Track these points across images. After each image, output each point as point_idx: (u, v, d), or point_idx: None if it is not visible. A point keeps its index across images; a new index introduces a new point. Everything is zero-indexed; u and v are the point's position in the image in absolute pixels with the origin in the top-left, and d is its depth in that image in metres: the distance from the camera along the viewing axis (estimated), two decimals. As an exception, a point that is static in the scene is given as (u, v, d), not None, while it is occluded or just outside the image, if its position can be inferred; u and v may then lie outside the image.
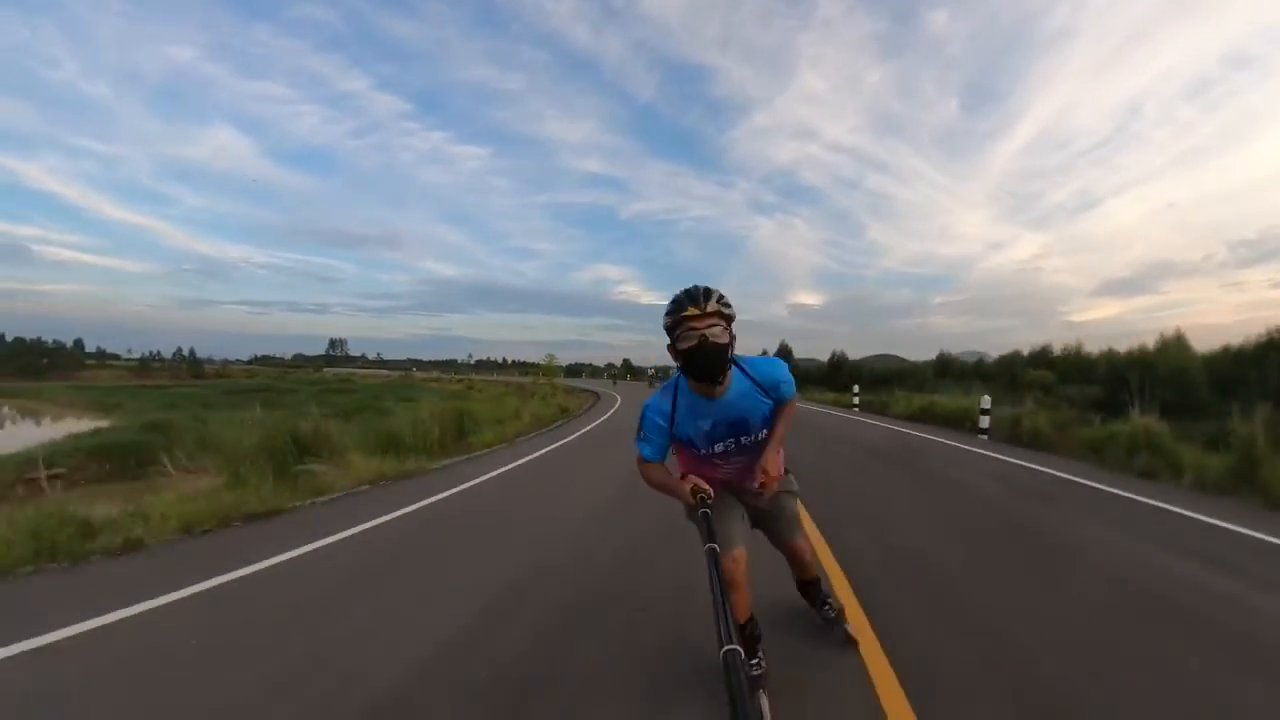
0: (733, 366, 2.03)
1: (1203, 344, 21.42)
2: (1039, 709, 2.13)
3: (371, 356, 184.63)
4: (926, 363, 38.52)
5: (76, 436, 19.15)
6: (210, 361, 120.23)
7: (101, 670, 2.40)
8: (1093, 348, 26.60)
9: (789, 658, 2.40)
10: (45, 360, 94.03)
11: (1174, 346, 22.37)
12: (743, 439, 2.13)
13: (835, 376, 38.53)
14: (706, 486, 1.99)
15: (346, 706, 2.15)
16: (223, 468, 6.53)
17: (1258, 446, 6.01)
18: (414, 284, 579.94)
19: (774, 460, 2.15)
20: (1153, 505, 5.35)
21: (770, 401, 2.12)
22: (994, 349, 27.91)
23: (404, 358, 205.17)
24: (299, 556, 3.82)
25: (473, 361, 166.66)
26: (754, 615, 2.22)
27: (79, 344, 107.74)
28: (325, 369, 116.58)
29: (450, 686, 2.27)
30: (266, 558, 3.74)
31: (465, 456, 8.41)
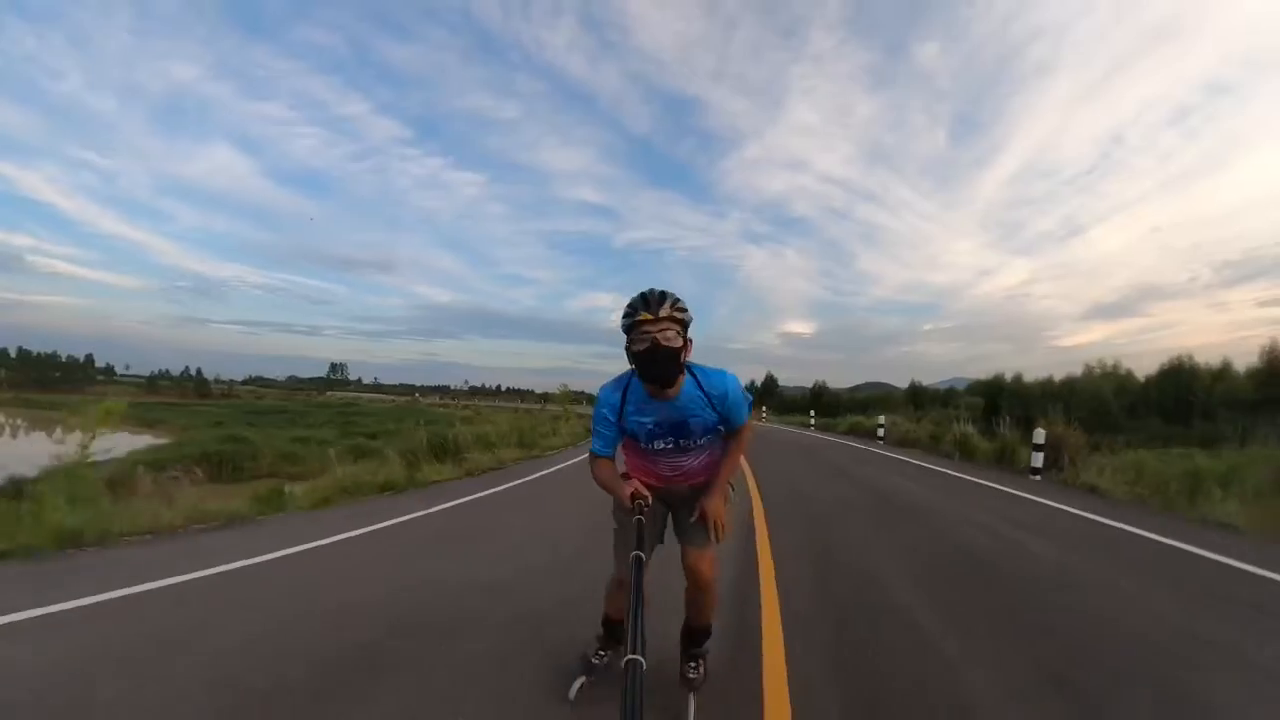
0: (686, 373, 2.09)
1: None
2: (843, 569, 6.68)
3: (365, 380, 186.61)
4: (905, 391, 43.64)
5: (159, 448, 23.06)
6: (218, 381, 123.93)
7: (418, 537, 6.61)
8: (1061, 373, 31.41)
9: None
10: (57, 374, 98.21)
11: (1091, 377, 27.53)
12: (681, 441, 2.20)
13: (816, 403, 43.28)
14: (646, 493, 2.08)
15: (520, 567, 5.54)
16: (392, 458, 11.06)
17: (1012, 440, 10.80)
18: (407, 308, 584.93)
19: (717, 503, 2.18)
20: (936, 470, 10.02)
21: (715, 415, 2.15)
22: (985, 375, 32.53)
23: (396, 382, 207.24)
24: (483, 497, 7.50)
25: (467, 388, 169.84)
26: (710, 623, 2.37)
27: (89, 359, 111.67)
28: (328, 392, 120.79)
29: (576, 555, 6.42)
30: (465, 496, 7.55)
31: (539, 454, 12.96)
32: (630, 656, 1.17)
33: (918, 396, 41.06)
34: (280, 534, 5.08)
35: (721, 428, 2.24)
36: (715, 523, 2.16)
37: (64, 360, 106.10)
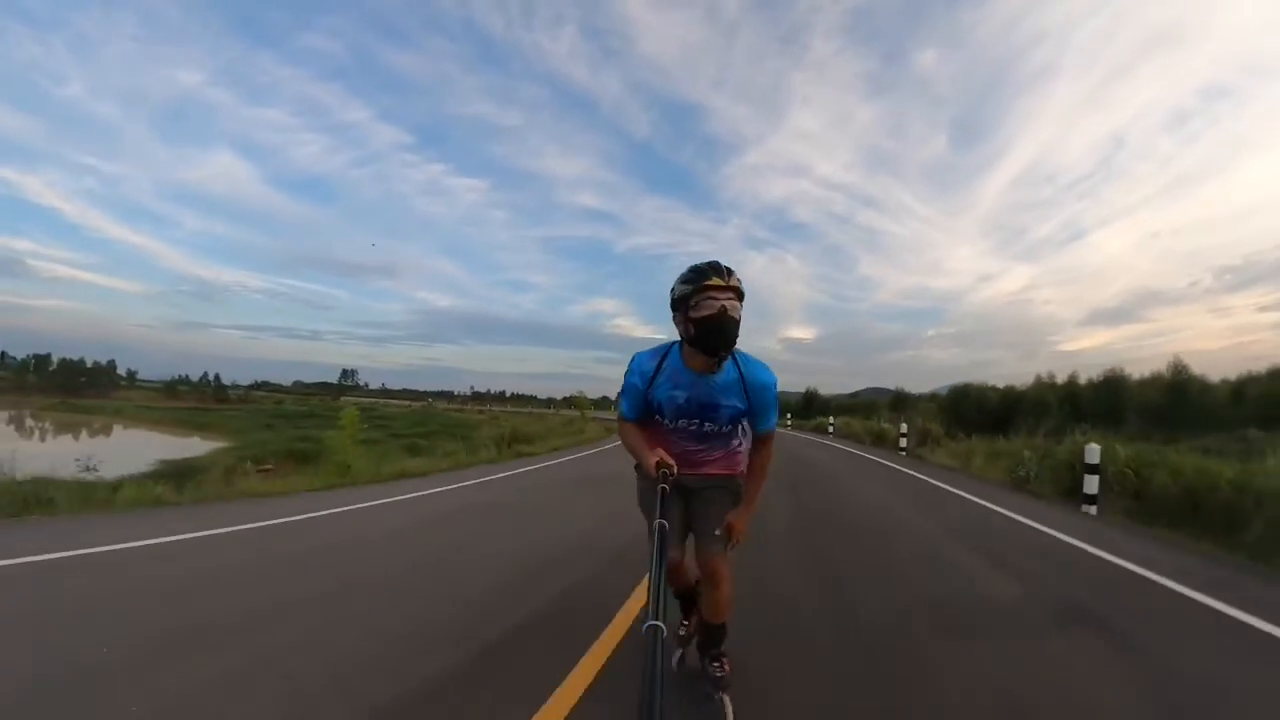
0: (730, 355, 2.05)
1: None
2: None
3: (372, 386, 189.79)
4: (890, 397, 48.54)
5: (233, 449, 27.06)
6: (235, 387, 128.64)
7: (499, 493, 11.22)
8: (1062, 377, 36.17)
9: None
10: (84, 379, 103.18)
11: (1039, 386, 32.35)
12: (706, 425, 2.17)
13: (808, 408, 48.59)
14: (672, 463, 2.02)
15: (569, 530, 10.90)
16: (466, 449, 15.77)
17: (932, 433, 15.47)
18: (408, 314, 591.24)
19: (745, 523, 2.27)
20: (849, 450, 14.66)
21: (746, 405, 2.14)
22: (988, 380, 37.32)
23: (399, 387, 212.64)
24: (532, 470, 12.28)
25: (470, 393, 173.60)
26: (724, 622, 2.30)
27: (111, 365, 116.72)
28: (341, 398, 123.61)
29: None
30: (520, 468, 12.47)
31: (579, 444, 17.48)
32: (651, 622, 1.13)
33: (900, 402, 46.02)
34: (464, 481, 9.64)
35: (746, 423, 2.26)
36: (737, 540, 2.24)
37: (89, 366, 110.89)
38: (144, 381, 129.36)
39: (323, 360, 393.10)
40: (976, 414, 33.08)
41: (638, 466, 2.31)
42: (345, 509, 6.31)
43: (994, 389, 35.64)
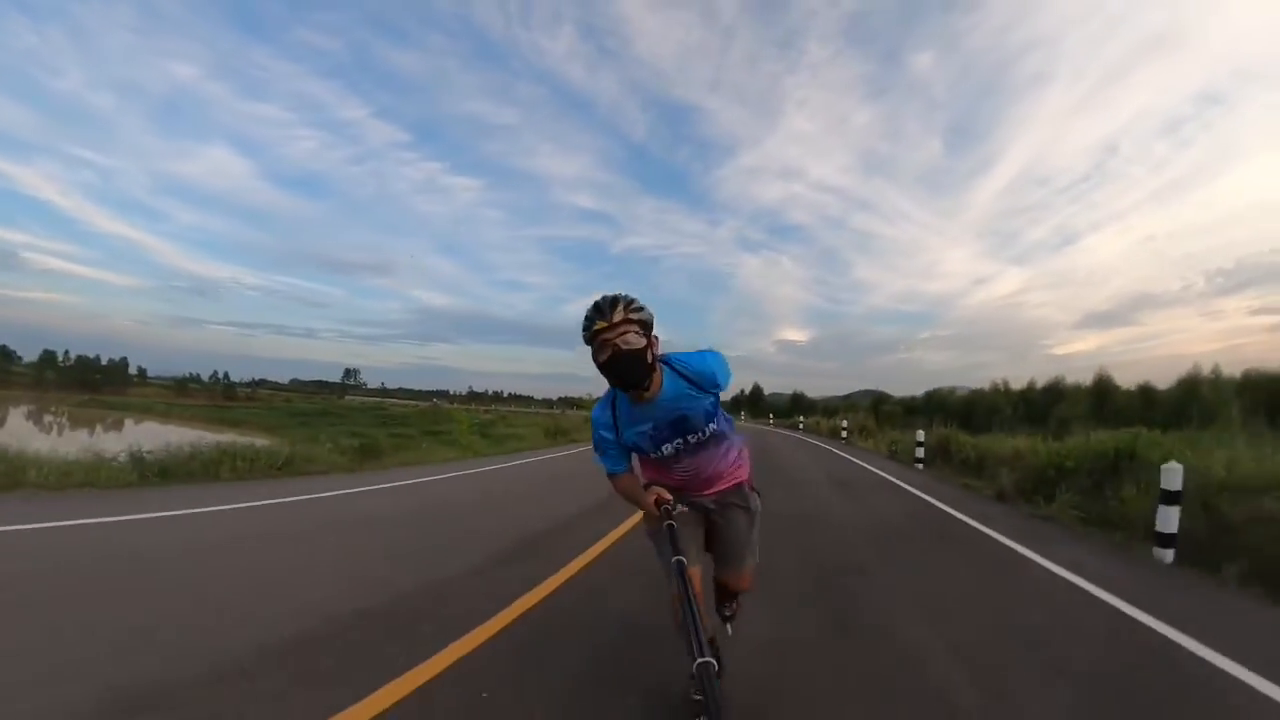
0: (663, 367, 2.06)
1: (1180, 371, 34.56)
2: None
3: (371, 385, 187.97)
4: (870, 401, 53.89)
5: (304, 440, 32.05)
6: (240, 385, 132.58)
7: (512, 476, 16.44)
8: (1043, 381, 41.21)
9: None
10: (99, 376, 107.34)
11: (993, 393, 37.52)
12: (689, 438, 2.17)
13: (795, 409, 53.86)
14: (669, 497, 2.10)
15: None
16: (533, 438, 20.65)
17: (867, 427, 20.43)
18: (403, 312, 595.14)
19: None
20: (807, 440, 19.46)
21: (711, 395, 2.13)
22: (980, 383, 42.49)
23: (395, 386, 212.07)
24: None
25: (467, 393, 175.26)
26: (714, 638, 2.37)
27: (124, 362, 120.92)
28: (346, 396, 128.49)
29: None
30: (573, 449, 17.54)
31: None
32: (700, 660, 1.15)
33: (879, 404, 51.39)
34: (548, 454, 14.50)
35: (730, 429, 2.28)
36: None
37: (105, 364, 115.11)
38: (154, 378, 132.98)
39: (318, 359, 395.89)
40: (941, 413, 38.34)
41: (646, 520, 2.38)
42: (497, 467, 11.18)
43: (957, 394, 41.03)
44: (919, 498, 8.32)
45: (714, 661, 1.15)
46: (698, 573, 2.19)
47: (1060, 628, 3.45)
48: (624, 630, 3.15)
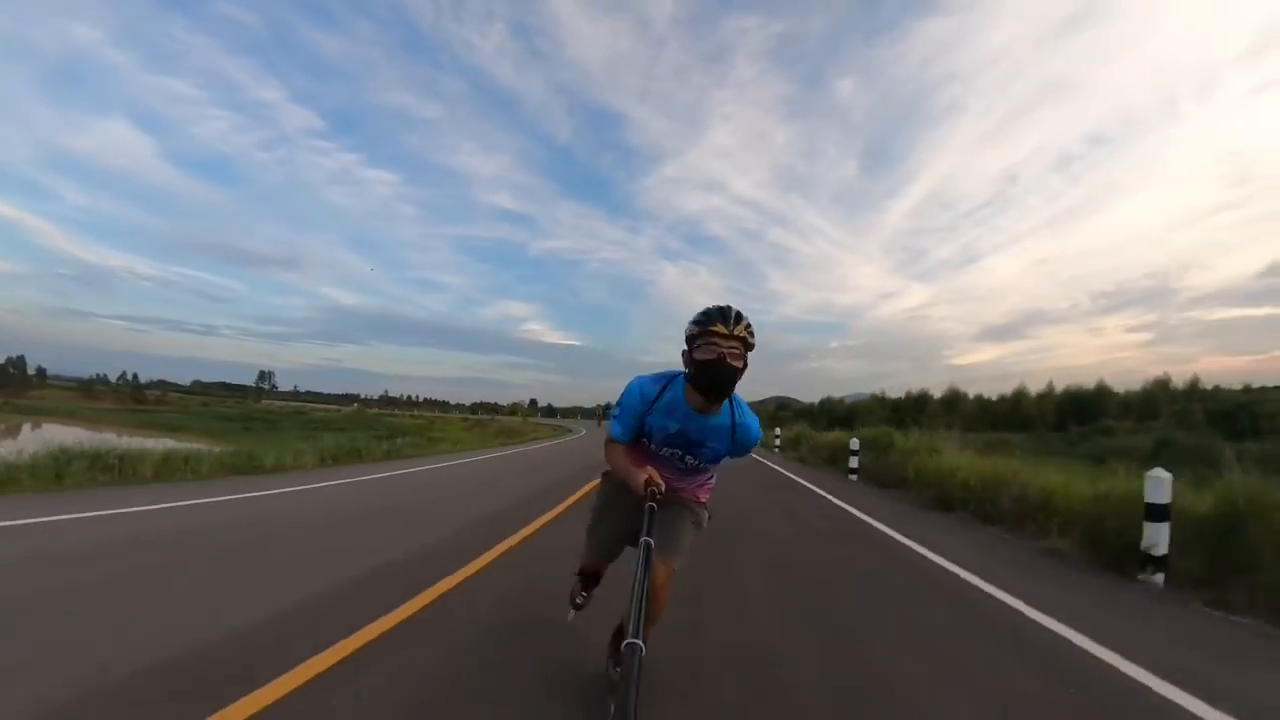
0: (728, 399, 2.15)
1: (1067, 381, 42.98)
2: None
3: (283, 389, 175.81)
4: (776, 408, 61.17)
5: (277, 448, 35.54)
6: (151, 386, 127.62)
7: (539, 451, 21.06)
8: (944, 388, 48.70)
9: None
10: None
11: (871, 402, 45.09)
12: (688, 458, 2.28)
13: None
14: (660, 482, 2.10)
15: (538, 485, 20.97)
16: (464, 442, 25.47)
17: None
18: (310, 310, 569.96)
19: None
20: None
21: (729, 447, 2.24)
22: (893, 390, 50.29)
23: (305, 389, 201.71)
24: (545, 446, 22.47)
25: (383, 397, 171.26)
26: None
27: (21, 360, 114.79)
28: (262, 400, 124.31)
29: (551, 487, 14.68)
30: (526, 447, 22.18)
31: (538, 439, 27.14)
32: (630, 640, 1.19)
33: (781, 409, 58.72)
34: (512, 449, 19.46)
35: (726, 457, 2.32)
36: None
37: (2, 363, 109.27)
38: (56, 379, 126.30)
39: (218, 358, 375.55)
40: (828, 416, 45.42)
41: (607, 474, 2.53)
42: (495, 454, 16.20)
43: (842, 402, 48.59)
44: (762, 463, 14.17)
45: (642, 645, 1.19)
46: (609, 561, 2.58)
47: (805, 507, 8.69)
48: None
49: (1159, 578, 4.55)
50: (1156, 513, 4.59)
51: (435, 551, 4.58)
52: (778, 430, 22.19)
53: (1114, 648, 3.15)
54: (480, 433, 29.40)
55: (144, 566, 3.85)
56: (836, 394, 57.48)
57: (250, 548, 4.56)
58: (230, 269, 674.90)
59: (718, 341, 1.96)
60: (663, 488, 2.07)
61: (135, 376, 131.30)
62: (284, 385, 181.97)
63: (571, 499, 7.70)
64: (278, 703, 2.17)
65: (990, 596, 4.15)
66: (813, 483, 11.24)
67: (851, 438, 13.38)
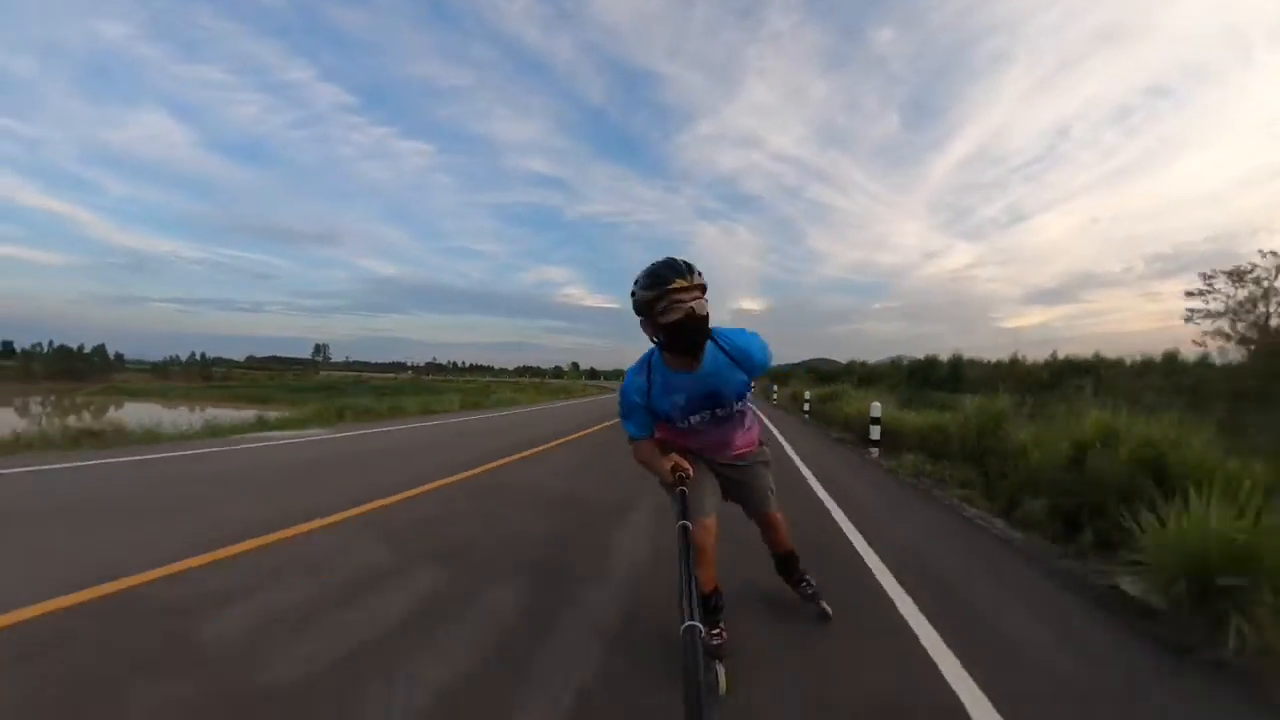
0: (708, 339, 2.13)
1: (1120, 349, 45.62)
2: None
3: (336, 360, 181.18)
4: (811, 370, 66.06)
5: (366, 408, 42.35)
6: (218, 364, 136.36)
7: (596, 401, 26.08)
8: (992, 355, 53.22)
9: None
10: (82, 364, 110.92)
11: (888, 366, 49.90)
12: (718, 411, 2.27)
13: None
14: (687, 466, 2.16)
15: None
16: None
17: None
18: (352, 283, 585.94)
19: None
20: None
21: (744, 374, 2.22)
22: (928, 352, 54.32)
23: (354, 360, 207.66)
24: (598, 398, 26.63)
25: (430, 363, 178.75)
26: (719, 587, 2.38)
27: (102, 349, 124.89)
28: (320, 372, 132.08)
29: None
30: (587, 399, 27.22)
31: (590, 394, 32.55)
32: (688, 623, 1.18)
33: (817, 370, 63.89)
34: (577, 399, 25.00)
35: (751, 382, 2.30)
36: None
37: (86, 352, 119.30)
38: (132, 363, 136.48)
39: (268, 334, 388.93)
40: (857, 378, 50.08)
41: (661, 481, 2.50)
42: (563, 404, 22.04)
43: (864, 365, 53.23)
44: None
45: (700, 626, 1.17)
46: (713, 523, 2.29)
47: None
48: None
49: (875, 451, 9.11)
50: (875, 420, 9.54)
51: (563, 430, 11.03)
52: (775, 386, 27.64)
53: (816, 472, 6.76)
54: (544, 390, 35.26)
55: (439, 444, 8.92)
56: (873, 358, 60.84)
57: (483, 433, 10.54)
58: (273, 247, 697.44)
59: (681, 297, 1.93)
60: (690, 471, 2.13)
61: (204, 356, 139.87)
62: (335, 356, 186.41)
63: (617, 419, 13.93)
64: (513, 462, 7.08)
65: (791, 459, 7.80)
66: (771, 420, 14.99)
67: (805, 391, 19.24)
